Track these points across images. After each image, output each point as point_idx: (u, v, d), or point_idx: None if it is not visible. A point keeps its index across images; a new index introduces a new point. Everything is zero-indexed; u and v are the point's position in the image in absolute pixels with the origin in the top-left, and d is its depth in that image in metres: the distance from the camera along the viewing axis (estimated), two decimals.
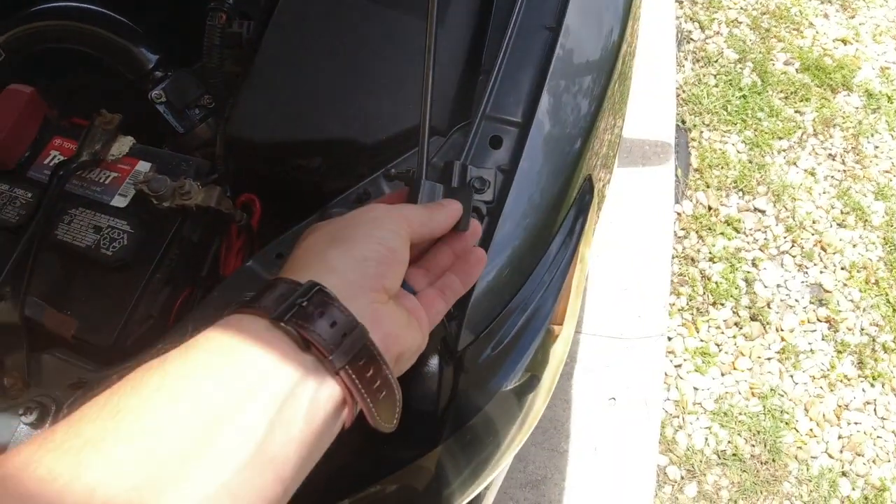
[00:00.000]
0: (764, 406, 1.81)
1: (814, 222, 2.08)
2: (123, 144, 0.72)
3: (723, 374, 1.86)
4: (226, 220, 0.67)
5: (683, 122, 2.28)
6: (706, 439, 1.78)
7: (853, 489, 1.72)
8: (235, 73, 0.74)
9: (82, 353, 0.64)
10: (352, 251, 0.43)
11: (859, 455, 1.77)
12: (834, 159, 2.21)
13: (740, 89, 2.33)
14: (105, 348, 0.63)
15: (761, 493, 1.72)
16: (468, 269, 0.53)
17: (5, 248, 0.67)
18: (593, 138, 0.66)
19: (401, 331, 0.44)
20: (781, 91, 2.33)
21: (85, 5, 0.84)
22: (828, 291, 1.98)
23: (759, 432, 1.78)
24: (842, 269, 2.01)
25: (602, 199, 0.81)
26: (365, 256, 0.43)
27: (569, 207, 0.64)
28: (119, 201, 0.69)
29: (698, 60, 2.42)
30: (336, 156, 0.65)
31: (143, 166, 0.70)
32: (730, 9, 2.54)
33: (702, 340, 1.91)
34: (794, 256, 2.03)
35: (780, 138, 2.23)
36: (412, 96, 0.64)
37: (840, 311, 1.95)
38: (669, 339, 1.89)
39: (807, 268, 2.02)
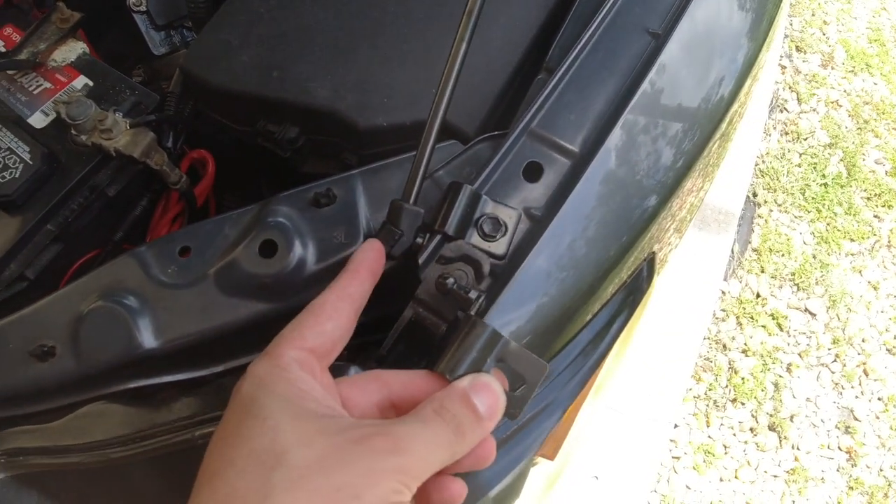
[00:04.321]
0: None
1: (863, 341, 1.90)
2: (71, 51, 0.55)
3: (721, 480, 1.69)
4: (159, 177, 0.50)
5: (755, 194, 2.07)
6: None
7: None
8: None
9: None
10: None
11: None
12: None
13: (823, 176, 2.11)
14: None
15: None
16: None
17: None
18: (674, 198, 0.46)
19: None
20: (865, 190, 2.11)
21: None
22: (857, 420, 1.83)
23: None
24: (878, 399, 1.87)
25: (662, 264, 0.62)
26: None
27: (612, 291, 0.44)
28: (38, 120, 0.52)
29: (787, 133, 2.20)
30: (317, 130, 0.47)
31: (81, 83, 0.53)
32: (833, 88, 2.32)
33: (710, 437, 1.72)
34: (833, 372, 1.84)
35: (852, 240, 2.02)
36: (439, 75, 0.46)
37: (864, 444, 1.79)
38: (676, 425, 1.70)
39: (843, 388, 1.83)
